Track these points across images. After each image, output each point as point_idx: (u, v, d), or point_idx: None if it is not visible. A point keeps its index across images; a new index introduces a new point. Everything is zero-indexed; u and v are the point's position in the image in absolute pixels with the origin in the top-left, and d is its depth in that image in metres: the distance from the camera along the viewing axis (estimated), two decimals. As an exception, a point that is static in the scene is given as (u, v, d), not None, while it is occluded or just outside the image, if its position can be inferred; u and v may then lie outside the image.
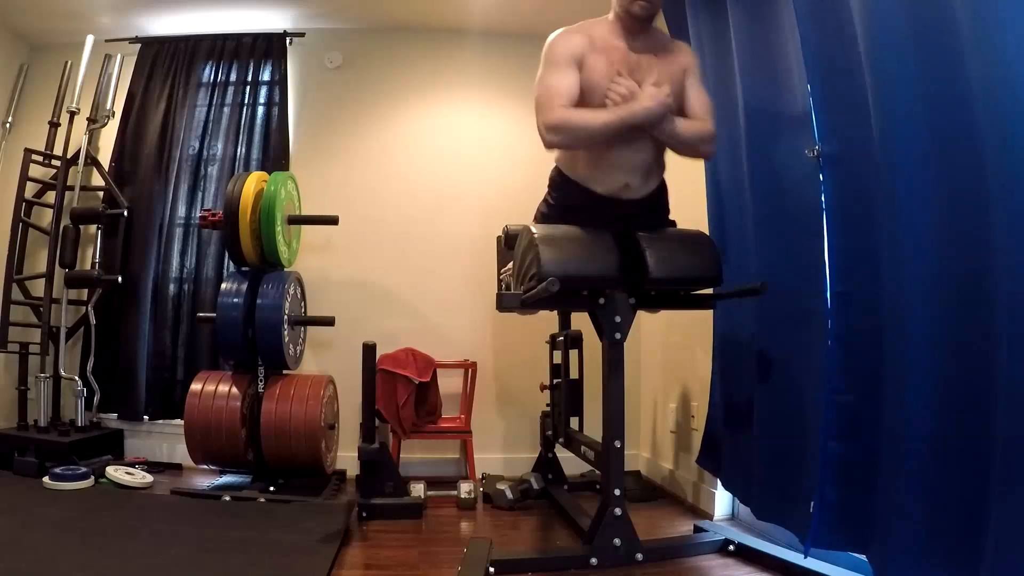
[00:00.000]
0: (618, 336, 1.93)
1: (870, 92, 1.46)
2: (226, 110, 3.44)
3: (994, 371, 1.17)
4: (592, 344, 2.25)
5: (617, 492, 1.88)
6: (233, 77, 3.46)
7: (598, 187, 1.99)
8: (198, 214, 3.15)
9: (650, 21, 2.00)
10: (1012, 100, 1.11)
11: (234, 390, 2.76)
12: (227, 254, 3.06)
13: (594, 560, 1.83)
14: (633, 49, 1.96)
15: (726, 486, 2.27)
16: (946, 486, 1.28)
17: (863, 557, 1.63)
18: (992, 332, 1.17)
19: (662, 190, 2.09)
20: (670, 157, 2.05)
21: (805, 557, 1.66)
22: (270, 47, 3.46)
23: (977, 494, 1.19)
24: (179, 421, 2.94)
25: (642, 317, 2.36)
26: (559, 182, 2.09)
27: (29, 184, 3.27)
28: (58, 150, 3.30)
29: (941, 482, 1.29)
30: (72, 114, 3.32)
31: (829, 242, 1.61)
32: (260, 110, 3.46)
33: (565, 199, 2.06)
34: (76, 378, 3.13)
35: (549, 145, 1.96)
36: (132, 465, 2.89)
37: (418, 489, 2.58)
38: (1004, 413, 1.13)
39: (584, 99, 1.92)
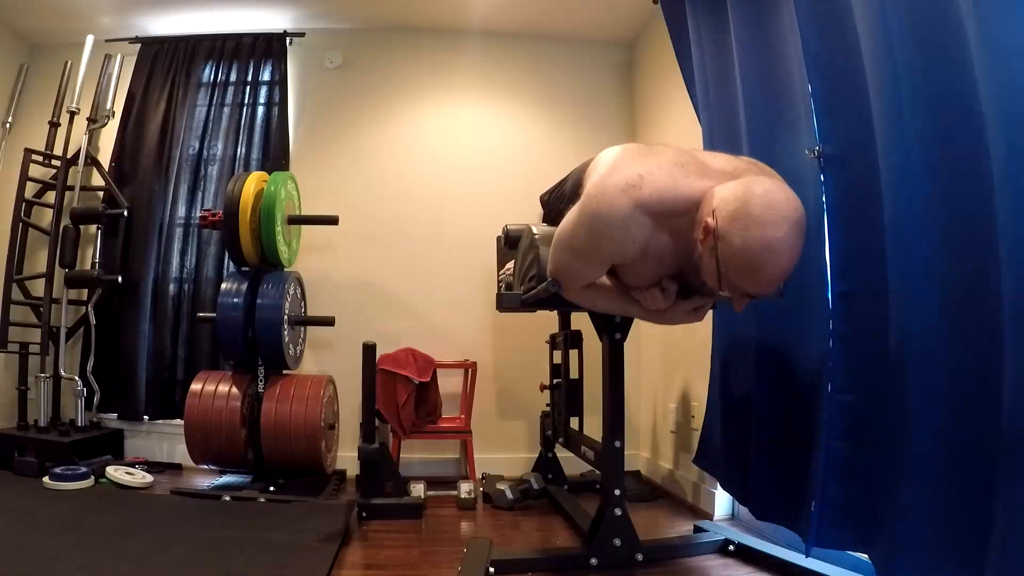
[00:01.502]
0: (618, 336, 1.94)
1: (871, 92, 1.46)
2: (226, 110, 3.44)
3: (997, 370, 1.17)
4: (592, 344, 2.25)
5: (617, 492, 1.88)
6: (233, 77, 3.46)
7: None
8: (198, 214, 3.15)
9: None
10: (1014, 100, 1.11)
11: (234, 390, 2.76)
12: (227, 254, 3.06)
13: (594, 560, 1.84)
14: (690, 264, 1.48)
15: (724, 486, 2.27)
16: (949, 485, 1.28)
17: (863, 557, 1.63)
18: (995, 331, 1.17)
19: None
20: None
21: (807, 556, 1.66)
22: (270, 47, 3.47)
23: (981, 493, 1.19)
24: (179, 421, 2.94)
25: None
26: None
27: (29, 184, 3.27)
28: (58, 150, 3.30)
29: (944, 481, 1.29)
30: (72, 114, 3.32)
31: (831, 242, 1.61)
32: (260, 110, 3.46)
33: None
34: (76, 378, 3.13)
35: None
36: (132, 465, 2.89)
37: (418, 489, 2.58)
38: (1008, 412, 1.13)
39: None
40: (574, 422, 2.71)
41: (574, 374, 2.74)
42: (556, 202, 1.94)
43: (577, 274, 1.60)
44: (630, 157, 1.52)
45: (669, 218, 1.43)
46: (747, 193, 1.33)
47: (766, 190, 1.33)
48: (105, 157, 3.40)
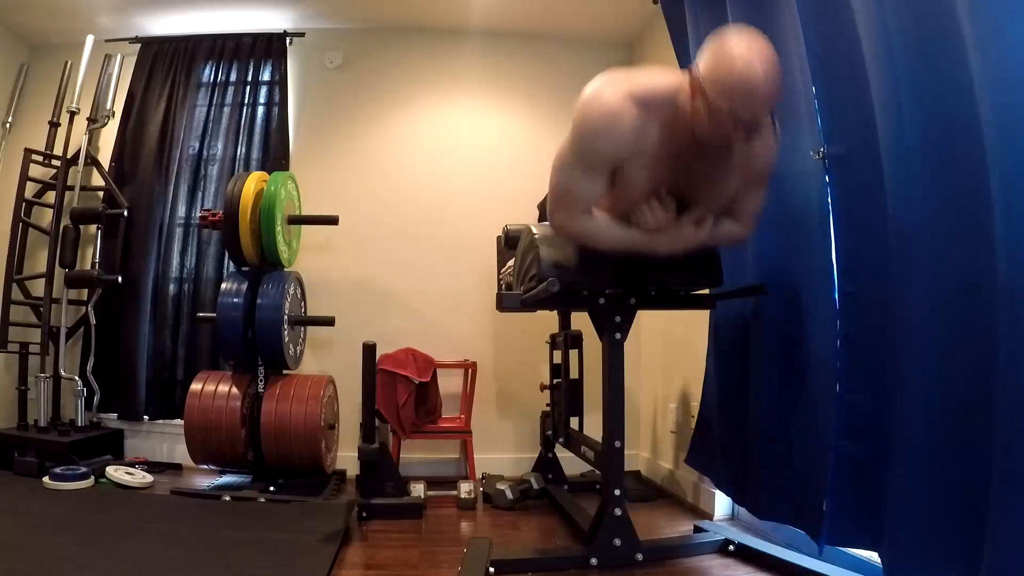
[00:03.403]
0: (618, 336, 1.94)
1: (874, 93, 1.46)
2: (226, 110, 3.44)
3: (1000, 369, 1.17)
4: (592, 344, 2.25)
5: (617, 492, 1.88)
6: (233, 77, 3.46)
7: None
8: (198, 214, 3.15)
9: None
10: (1016, 100, 1.11)
11: (234, 390, 2.76)
12: (227, 254, 3.06)
13: (594, 560, 1.84)
14: (692, 155, 1.57)
15: (718, 485, 2.27)
16: (957, 483, 1.28)
17: (865, 556, 1.63)
18: (997, 331, 1.17)
19: None
20: None
21: (820, 554, 1.66)
22: (270, 47, 3.46)
23: (986, 492, 1.19)
24: (179, 421, 2.94)
25: (642, 317, 2.36)
26: None
27: (29, 184, 3.27)
28: (58, 150, 3.30)
29: (952, 479, 1.29)
30: (72, 114, 3.32)
31: (836, 243, 1.61)
32: (260, 110, 3.46)
33: None
34: (76, 378, 3.13)
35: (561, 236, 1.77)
36: (132, 465, 2.89)
37: (418, 489, 2.58)
38: (1013, 410, 1.13)
39: (610, 185, 1.66)
40: (574, 422, 2.71)
41: (574, 374, 2.74)
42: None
43: (577, 189, 1.60)
44: (611, 75, 1.61)
45: (655, 108, 1.53)
46: (717, 41, 1.46)
47: (733, 33, 1.47)
48: (105, 157, 3.40)
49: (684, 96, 1.51)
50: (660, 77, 1.59)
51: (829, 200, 1.63)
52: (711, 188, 1.66)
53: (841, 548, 1.69)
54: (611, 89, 1.55)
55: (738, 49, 1.42)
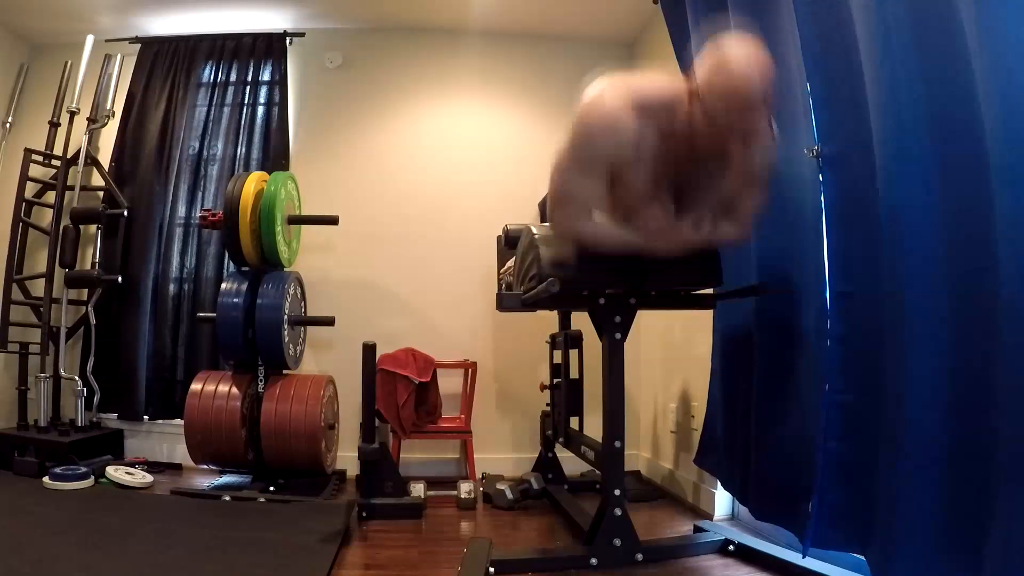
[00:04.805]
0: (618, 336, 1.94)
1: (870, 92, 1.46)
2: (226, 110, 3.44)
3: (995, 371, 1.17)
4: (592, 344, 2.25)
5: (617, 492, 1.88)
6: (233, 77, 3.46)
7: None
8: (198, 214, 3.15)
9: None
10: (1013, 99, 1.11)
11: (234, 390, 2.76)
12: (227, 254, 3.06)
13: (594, 560, 1.84)
14: (688, 162, 1.60)
15: (725, 486, 2.27)
16: (946, 486, 1.28)
17: (862, 557, 1.63)
18: (993, 332, 1.17)
19: None
20: None
21: (803, 557, 1.66)
22: (270, 47, 3.46)
23: (978, 495, 1.19)
24: (179, 421, 2.94)
25: (642, 317, 2.36)
26: None
27: (29, 184, 3.27)
28: (58, 150, 3.30)
29: (941, 482, 1.29)
30: (72, 114, 3.32)
31: (829, 242, 1.61)
32: (260, 110, 3.46)
33: None
34: (76, 378, 3.13)
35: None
36: (132, 465, 2.89)
37: (418, 489, 2.58)
38: (1005, 413, 1.13)
39: (609, 188, 1.67)
40: (574, 422, 2.71)
41: (574, 374, 2.74)
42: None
43: (576, 192, 1.62)
44: (611, 79, 1.65)
45: (654, 113, 1.56)
46: (715, 49, 1.52)
47: (730, 41, 1.52)
48: (105, 157, 3.40)
49: (683, 102, 1.54)
50: (659, 83, 1.62)
51: (823, 199, 1.62)
52: (709, 191, 1.68)
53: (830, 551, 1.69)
54: (611, 94, 1.58)
55: (735, 58, 1.46)
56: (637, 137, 1.56)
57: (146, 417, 3.22)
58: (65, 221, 3.21)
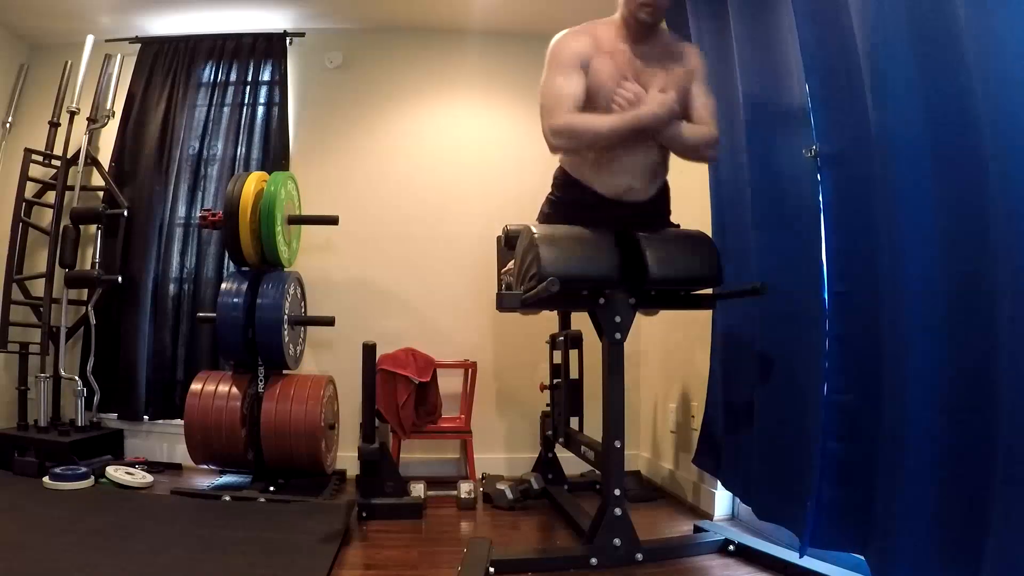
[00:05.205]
0: (618, 336, 1.93)
1: (868, 91, 1.46)
2: (226, 110, 3.44)
3: (994, 371, 1.17)
4: (592, 344, 2.25)
5: (617, 492, 1.88)
6: (233, 77, 3.46)
7: (602, 188, 1.98)
8: (198, 214, 3.15)
9: (656, 26, 2.00)
10: (1012, 98, 1.11)
11: (234, 390, 2.76)
12: (227, 254, 3.06)
13: (594, 560, 1.84)
14: (639, 53, 1.96)
15: (726, 485, 2.28)
16: (945, 486, 1.28)
17: (862, 557, 1.63)
18: (991, 332, 1.17)
19: (665, 192, 2.09)
20: (674, 158, 2.05)
21: (801, 556, 1.66)
22: (270, 47, 3.46)
23: (977, 494, 1.19)
24: (179, 421, 2.94)
25: (642, 317, 2.36)
26: (563, 182, 2.09)
27: (29, 184, 3.27)
28: (58, 150, 3.30)
29: (940, 482, 1.29)
30: (72, 114, 3.32)
31: (827, 242, 1.61)
32: (260, 110, 3.46)
33: (568, 198, 2.06)
34: (76, 378, 3.13)
35: (554, 149, 1.99)
36: (132, 465, 2.89)
37: (418, 489, 2.58)
38: (1004, 413, 1.13)
39: (589, 102, 1.92)
40: (574, 422, 2.71)
41: (574, 374, 2.74)
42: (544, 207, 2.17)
43: (559, 88, 1.92)
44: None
45: (602, 24, 2.01)
46: None
47: None
48: (105, 157, 3.40)
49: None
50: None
51: (821, 198, 1.62)
52: (661, 75, 1.97)
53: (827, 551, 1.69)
54: (569, 31, 2.00)
55: None
56: (594, 37, 1.96)
57: (146, 417, 3.22)
58: (65, 221, 3.21)
